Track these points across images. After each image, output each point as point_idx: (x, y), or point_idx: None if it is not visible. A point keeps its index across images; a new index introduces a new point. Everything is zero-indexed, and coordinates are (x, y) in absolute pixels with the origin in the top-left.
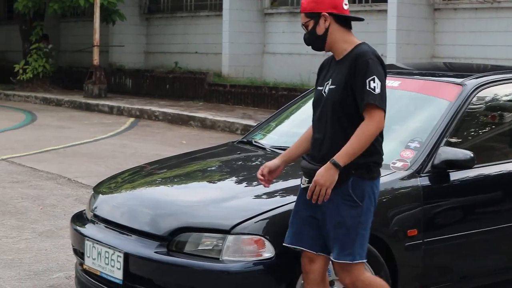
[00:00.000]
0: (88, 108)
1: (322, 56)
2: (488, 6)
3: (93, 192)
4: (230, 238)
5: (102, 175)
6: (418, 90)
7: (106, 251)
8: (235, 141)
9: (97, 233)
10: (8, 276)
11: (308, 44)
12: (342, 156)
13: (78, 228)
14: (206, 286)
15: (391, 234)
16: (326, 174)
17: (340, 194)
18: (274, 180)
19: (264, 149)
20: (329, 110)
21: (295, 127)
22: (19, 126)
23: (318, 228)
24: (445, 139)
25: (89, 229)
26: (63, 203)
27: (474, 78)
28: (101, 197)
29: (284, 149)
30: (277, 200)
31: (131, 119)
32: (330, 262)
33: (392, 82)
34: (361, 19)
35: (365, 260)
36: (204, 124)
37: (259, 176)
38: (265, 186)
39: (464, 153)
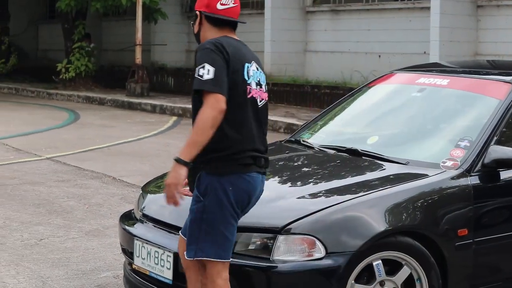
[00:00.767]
0: (130, 106)
1: (364, 54)
2: None
3: (141, 192)
4: (281, 238)
5: (147, 174)
6: (467, 88)
7: (155, 251)
8: (282, 140)
9: (146, 233)
10: (57, 276)
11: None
12: (184, 149)
13: (127, 227)
14: (256, 286)
15: (441, 234)
16: (171, 173)
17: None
18: (318, 181)
19: (312, 148)
20: (194, 108)
21: (343, 126)
22: (63, 125)
23: None
24: (495, 138)
25: (138, 229)
26: (109, 202)
27: None
28: (149, 196)
29: (332, 148)
30: (325, 200)
31: (174, 118)
32: None
33: (441, 81)
34: (235, 22)
35: (219, 260)
36: None
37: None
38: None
39: None
